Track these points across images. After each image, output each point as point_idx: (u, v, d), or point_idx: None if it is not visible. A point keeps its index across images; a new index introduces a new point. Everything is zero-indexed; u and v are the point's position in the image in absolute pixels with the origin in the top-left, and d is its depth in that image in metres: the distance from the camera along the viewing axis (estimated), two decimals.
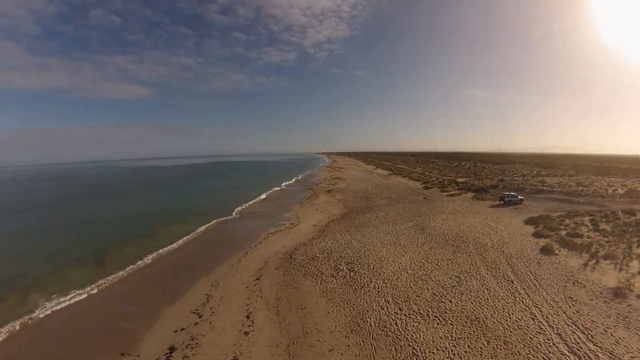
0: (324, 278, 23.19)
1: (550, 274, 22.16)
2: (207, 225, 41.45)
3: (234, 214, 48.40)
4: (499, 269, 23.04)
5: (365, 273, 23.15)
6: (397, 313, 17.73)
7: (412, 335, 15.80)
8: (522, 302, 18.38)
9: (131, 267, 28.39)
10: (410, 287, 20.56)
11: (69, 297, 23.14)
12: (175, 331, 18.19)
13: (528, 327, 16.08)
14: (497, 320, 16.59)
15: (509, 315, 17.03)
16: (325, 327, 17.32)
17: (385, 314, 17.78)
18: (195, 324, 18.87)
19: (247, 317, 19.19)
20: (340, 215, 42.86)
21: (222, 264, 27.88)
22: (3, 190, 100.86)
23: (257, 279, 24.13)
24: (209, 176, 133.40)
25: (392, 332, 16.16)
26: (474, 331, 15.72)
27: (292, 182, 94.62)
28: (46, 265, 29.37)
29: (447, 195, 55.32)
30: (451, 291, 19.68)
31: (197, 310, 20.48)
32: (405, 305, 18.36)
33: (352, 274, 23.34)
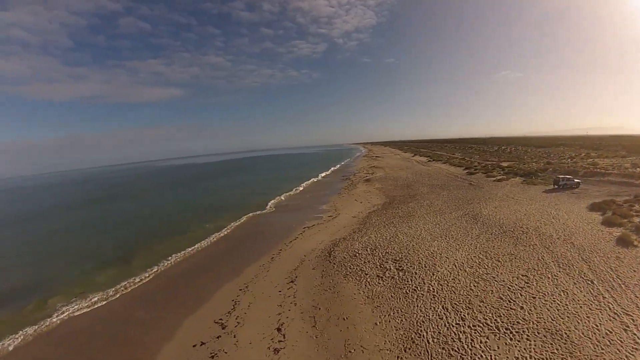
0: (368, 280, 20.91)
1: (635, 270, 18.67)
2: (240, 220, 40.74)
3: (268, 207, 48.08)
4: (572, 265, 19.76)
5: (416, 272, 20.68)
6: (459, 324, 15.09)
7: (482, 356, 13.10)
8: (609, 309, 15.25)
9: (156, 268, 27.64)
10: (471, 289, 17.90)
11: (88, 301, 22.75)
12: (194, 345, 16.64)
13: (622, 342, 13.19)
14: (582, 333, 13.68)
15: (596, 326, 14.08)
16: (372, 344, 15.05)
17: (445, 325, 15.18)
18: (218, 337, 17.11)
19: (278, 329, 17.08)
20: (382, 205, 40.59)
21: (252, 264, 26.31)
22: (55, 194, 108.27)
23: (291, 282, 22.16)
24: (245, 170, 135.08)
25: (455, 351, 13.58)
26: (557, 349, 12.93)
27: (328, 172, 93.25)
28: (73, 267, 30.12)
29: (494, 181, 50.93)
30: (520, 294, 16.80)
31: (221, 319, 18.83)
32: (468, 314, 15.66)
33: (401, 273, 20.97)
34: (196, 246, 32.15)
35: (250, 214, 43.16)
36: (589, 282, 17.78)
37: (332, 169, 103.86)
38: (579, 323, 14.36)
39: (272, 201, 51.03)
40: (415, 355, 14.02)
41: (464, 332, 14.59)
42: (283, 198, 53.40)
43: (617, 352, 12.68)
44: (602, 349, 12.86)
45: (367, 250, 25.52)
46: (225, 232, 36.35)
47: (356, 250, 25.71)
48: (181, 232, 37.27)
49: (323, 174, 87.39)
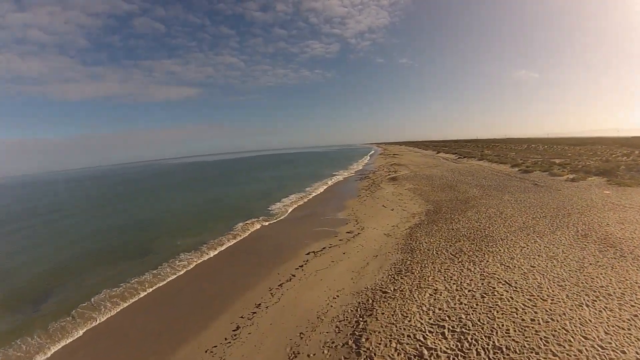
0: None
1: None
2: (220, 248, 26.99)
3: (269, 213, 34.38)
4: None
5: None
6: None
7: None
8: None
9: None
10: None
11: None
12: None
13: None
14: None
15: None
16: None
17: None
18: None
19: None
20: (426, 215, 26.65)
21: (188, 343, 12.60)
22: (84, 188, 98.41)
23: None
24: (257, 169, 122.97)
25: None
26: None
27: (344, 171, 79.61)
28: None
29: (565, 181, 36.92)
30: None
31: None
32: None
33: None
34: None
35: (240, 224, 30.35)
36: None
37: (349, 167, 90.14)
38: None
39: (277, 204, 38.19)
40: None
41: None
42: (291, 200, 40.27)
43: None
44: None
45: (444, 334, 10.28)
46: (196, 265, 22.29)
47: (419, 336, 10.42)
48: (143, 253, 24.95)
49: (337, 172, 74.13)
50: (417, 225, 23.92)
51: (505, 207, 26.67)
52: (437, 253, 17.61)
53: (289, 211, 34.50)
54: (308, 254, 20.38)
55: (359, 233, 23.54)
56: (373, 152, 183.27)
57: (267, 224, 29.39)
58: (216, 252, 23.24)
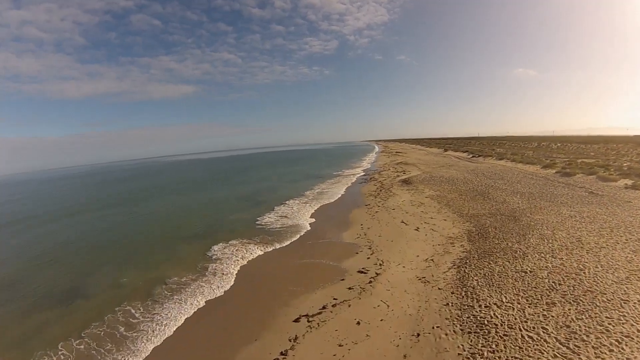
0: None
1: None
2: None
3: (244, 240, 25.85)
4: None
5: None
6: None
7: None
8: None
9: None
10: None
11: None
12: None
13: None
14: None
15: None
16: None
17: None
18: None
19: None
20: (469, 240, 18.31)
21: None
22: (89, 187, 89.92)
23: None
24: (253, 168, 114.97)
25: None
26: None
27: (345, 170, 71.48)
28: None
29: (625, 188, 29.01)
30: None
31: None
32: None
33: None
34: None
35: (218, 250, 22.00)
36: None
37: (351, 165, 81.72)
38: None
39: (269, 216, 29.85)
40: None
41: None
42: (285, 210, 32.19)
43: None
44: None
45: None
46: None
47: None
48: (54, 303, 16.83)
49: (339, 172, 65.81)
50: (463, 260, 15.79)
51: (576, 229, 18.61)
52: (528, 338, 9.49)
53: (280, 227, 26.32)
54: (297, 319, 12.17)
55: (377, 274, 15.34)
56: (374, 150, 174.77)
57: (248, 259, 21.02)
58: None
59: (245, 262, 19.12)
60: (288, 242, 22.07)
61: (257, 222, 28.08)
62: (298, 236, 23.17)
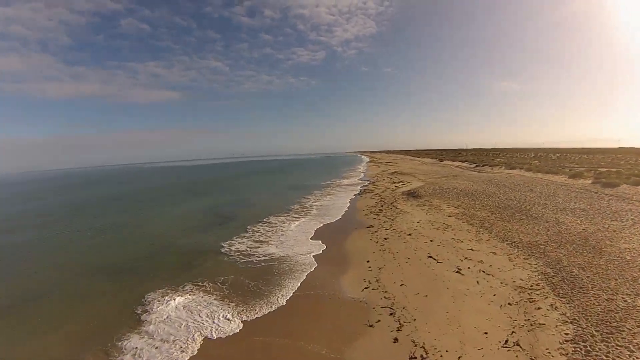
0: None
1: None
2: None
3: (191, 286, 17.02)
4: None
5: None
6: None
7: None
8: None
9: None
10: None
11: None
12: None
13: None
14: None
15: None
16: None
17: None
18: None
19: None
20: (555, 295, 10.01)
21: None
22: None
23: None
24: (234, 178, 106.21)
25: None
26: None
27: (335, 179, 63.42)
28: None
29: None
30: None
31: None
32: None
33: None
34: None
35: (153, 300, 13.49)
36: None
37: (340, 175, 73.82)
38: None
39: (239, 241, 21.31)
40: None
41: None
42: (258, 235, 23.54)
43: None
44: None
45: None
46: None
47: None
48: None
49: (328, 182, 57.92)
50: (577, 347, 8.08)
51: None
52: None
53: (248, 259, 17.99)
54: None
55: None
56: (362, 160, 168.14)
57: (193, 345, 12.63)
58: None
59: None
60: (254, 299, 13.67)
61: (222, 250, 19.65)
62: (278, 281, 14.91)
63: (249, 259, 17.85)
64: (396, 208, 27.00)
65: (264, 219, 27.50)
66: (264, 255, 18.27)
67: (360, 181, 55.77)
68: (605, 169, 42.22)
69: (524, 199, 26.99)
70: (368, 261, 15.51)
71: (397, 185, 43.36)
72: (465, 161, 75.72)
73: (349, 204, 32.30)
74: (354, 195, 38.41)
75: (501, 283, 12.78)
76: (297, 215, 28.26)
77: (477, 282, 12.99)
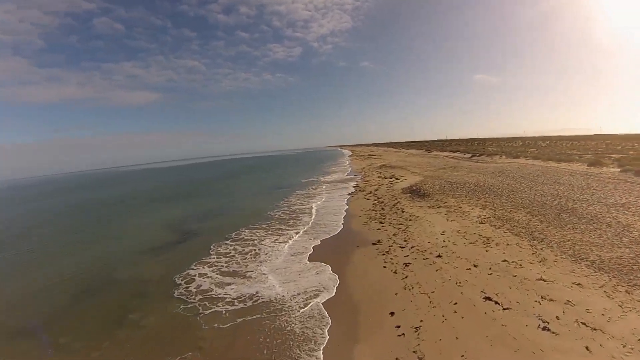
0: None
1: None
2: None
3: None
4: None
5: None
6: None
7: None
8: None
9: None
10: None
11: None
12: None
13: None
14: None
15: None
16: None
17: None
18: None
19: None
20: None
21: None
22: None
23: None
24: (209, 181, 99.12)
25: None
26: None
27: (319, 176, 57.50)
28: None
29: None
30: None
31: None
32: None
33: None
34: None
35: None
36: None
37: (323, 171, 67.96)
38: None
39: (196, 273, 15.25)
40: None
41: None
42: (221, 262, 16.98)
43: None
44: None
45: None
46: None
47: None
48: None
49: (310, 179, 52.08)
50: None
51: None
52: None
53: (217, 315, 11.89)
54: None
55: None
56: (343, 154, 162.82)
57: None
58: None
59: None
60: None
61: (175, 292, 13.55)
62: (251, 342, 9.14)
63: (217, 309, 11.79)
64: (403, 212, 21.56)
65: (238, 233, 21.43)
66: (239, 300, 12.23)
67: (348, 177, 50.24)
68: (617, 155, 38.58)
69: (557, 194, 22.22)
70: (392, 313, 9.77)
71: (390, 180, 38.10)
72: (456, 151, 71.73)
73: (341, 207, 26.59)
74: (348, 194, 32.69)
75: (623, 345, 7.56)
76: (282, 228, 22.06)
77: (587, 347, 7.72)
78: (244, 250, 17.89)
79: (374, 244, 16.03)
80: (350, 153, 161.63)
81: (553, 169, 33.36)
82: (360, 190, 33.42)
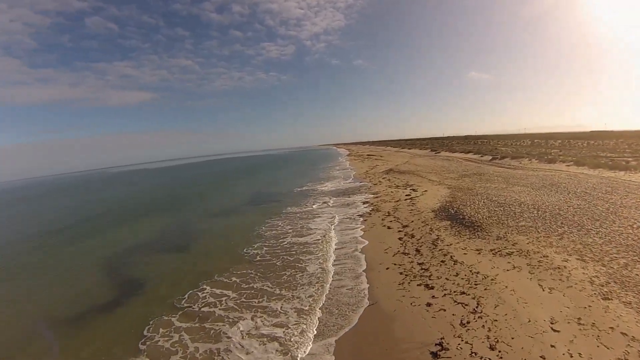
0: None
1: None
2: None
3: None
4: None
5: None
6: None
7: None
8: None
9: None
10: None
11: None
12: None
13: None
14: None
15: None
16: None
17: None
18: None
19: None
20: None
21: None
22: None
23: None
24: (197, 185, 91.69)
25: None
26: None
27: (316, 185, 49.93)
28: None
29: None
30: None
31: None
32: None
33: None
34: None
35: None
36: None
37: (320, 176, 60.52)
38: None
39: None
40: None
41: None
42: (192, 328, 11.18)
43: None
44: None
45: None
46: None
47: None
48: None
49: (306, 187, 44.93)
50: None
51: None
52: None
53: None
54: None
55: None
56: (340, 155, 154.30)
57: None
58: None
59: None
60: None
61: None
62: None
63: None
64: (454, 261, 14.42)
65: (193, 296, 14.04)
66: None
67: (351, 185, 42.90)
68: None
69: None
70: None
71: (408, 193, 31.14)
72: (468, 152, 64.97)
73: (363, 246, 18.96)
74: (359, 216, 25.32)
75: None
76: (267, 291, 14.32)
77: None
78: (198, 349, 10.48)
79: (433, 354, 8.90)
80: (347, 153, 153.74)
81: (613, 179, 26.57)
82: (374, 210, 26.23)
